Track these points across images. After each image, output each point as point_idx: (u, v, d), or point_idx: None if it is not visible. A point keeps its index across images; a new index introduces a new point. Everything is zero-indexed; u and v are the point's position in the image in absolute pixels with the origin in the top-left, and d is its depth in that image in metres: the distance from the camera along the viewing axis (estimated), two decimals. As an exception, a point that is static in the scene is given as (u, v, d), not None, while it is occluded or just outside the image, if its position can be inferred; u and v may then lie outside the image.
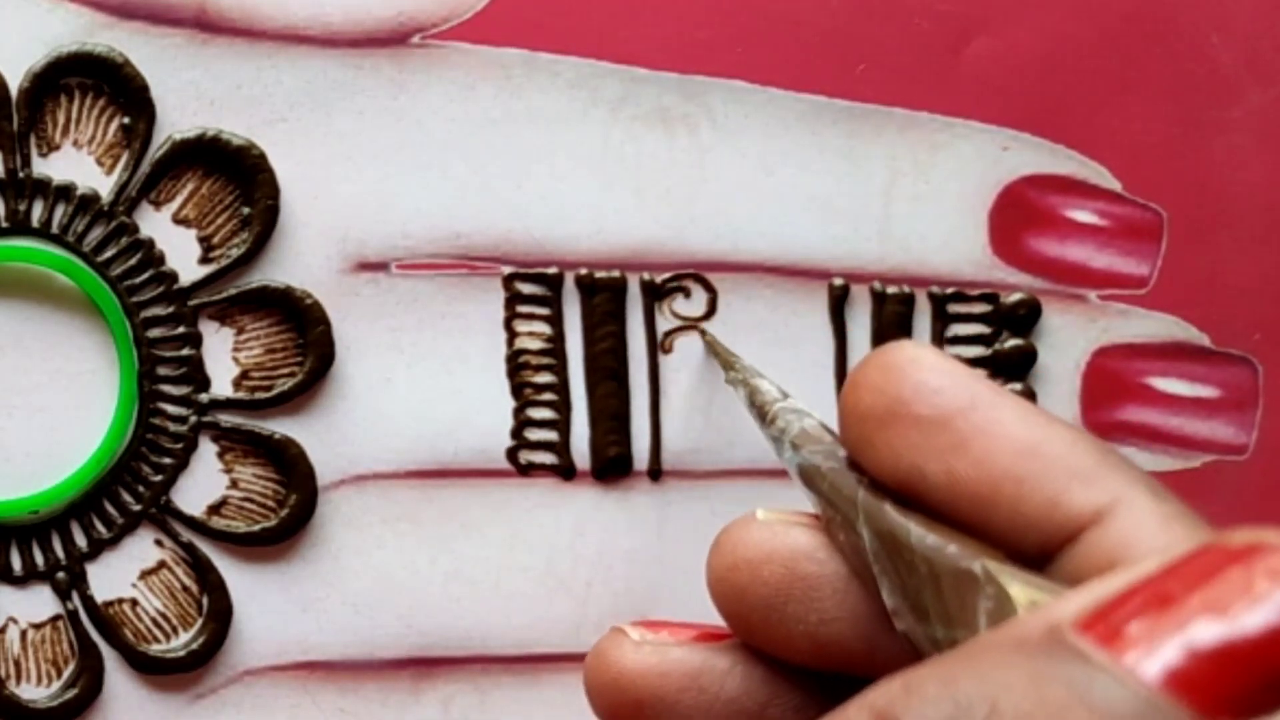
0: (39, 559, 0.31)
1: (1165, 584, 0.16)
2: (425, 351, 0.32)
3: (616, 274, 0.32)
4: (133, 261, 0.31)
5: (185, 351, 0.31)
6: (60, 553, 0.31)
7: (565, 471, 0.32)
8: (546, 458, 0.32)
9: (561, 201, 0.32)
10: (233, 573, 0.31)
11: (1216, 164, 0.34)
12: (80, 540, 0.31)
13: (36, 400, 0.31)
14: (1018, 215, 0.33)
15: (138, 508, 0.31)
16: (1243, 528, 0.17)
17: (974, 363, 0.33)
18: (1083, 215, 0.34)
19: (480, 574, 0.32)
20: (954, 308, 0.33)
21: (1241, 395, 0.34)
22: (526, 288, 0.32)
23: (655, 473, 0.33)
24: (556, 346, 0.32)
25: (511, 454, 0.32)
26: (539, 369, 0.32)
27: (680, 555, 0.32)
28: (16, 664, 0.31)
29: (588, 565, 0.32)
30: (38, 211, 0.31)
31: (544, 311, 0.32)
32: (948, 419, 0.21)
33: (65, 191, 0.31)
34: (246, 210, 0.31)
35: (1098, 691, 0.15)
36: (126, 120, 0.31)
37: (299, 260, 0.31)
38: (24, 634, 0.31)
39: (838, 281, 0.33)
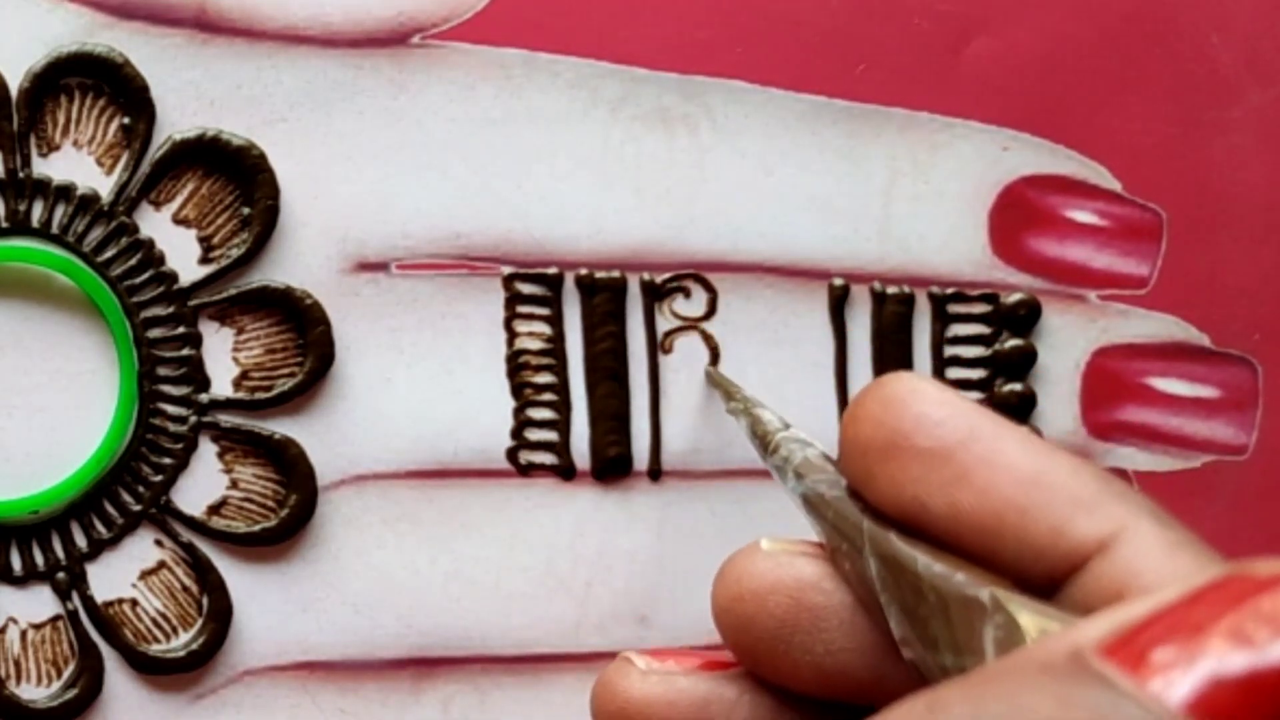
0: (39, 559, 0.31)
1: (1190, 612, 0.16)
2: (425, 351, 0.32)
3: (616, 274, 0.32)
4: (133, 261, 0.31)
5: (185, 351, 0.31)
6: (60, 553, 0.31)
7: (565, 471, 0.32)
8: (546, 458, 0.32)
9: (561, 201, 0.32)
10: (233, 573, 0.31)
11: (1216, 164, 0.34)
12: (80, 540, 0.31)
13: (36, 400, 0.31)
14: (1018, 215, 0.33)
15: (138, 508, 0.31)
16: (1267, 558, 0.17)
17: (974, 363, 0.33)
18: (1083, 215, 0.34)
19: (480, 574, 0.32)
20: (954, 308, 0.33)
21: (1241, 395, 0.34)
22: (526, 288, 0.32)
23: (655, 473, 0.33)
24: (556, 346, 0.32)
25: (511, 454, 0.32)
26: (539, 369, 0.32)
27: (680, 555, 0.32)
28: (16, 664, 0.31)
29: (588, 565, 0.32)
30: (38, 211, 0.31)
31: (544, 312, 0.32)
32: (949, 451, 0.21)
33: (65, 191, 0.31)
34: (246, 210, 0.31)
35: (1124, 717, 0.15)
36: (126, 120, 0.31)
37: (299, 260, 0.31)
38: (24, 634, 0.31)
39: (838, 281, 0.33)
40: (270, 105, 0.31)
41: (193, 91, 0.31)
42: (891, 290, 0.33)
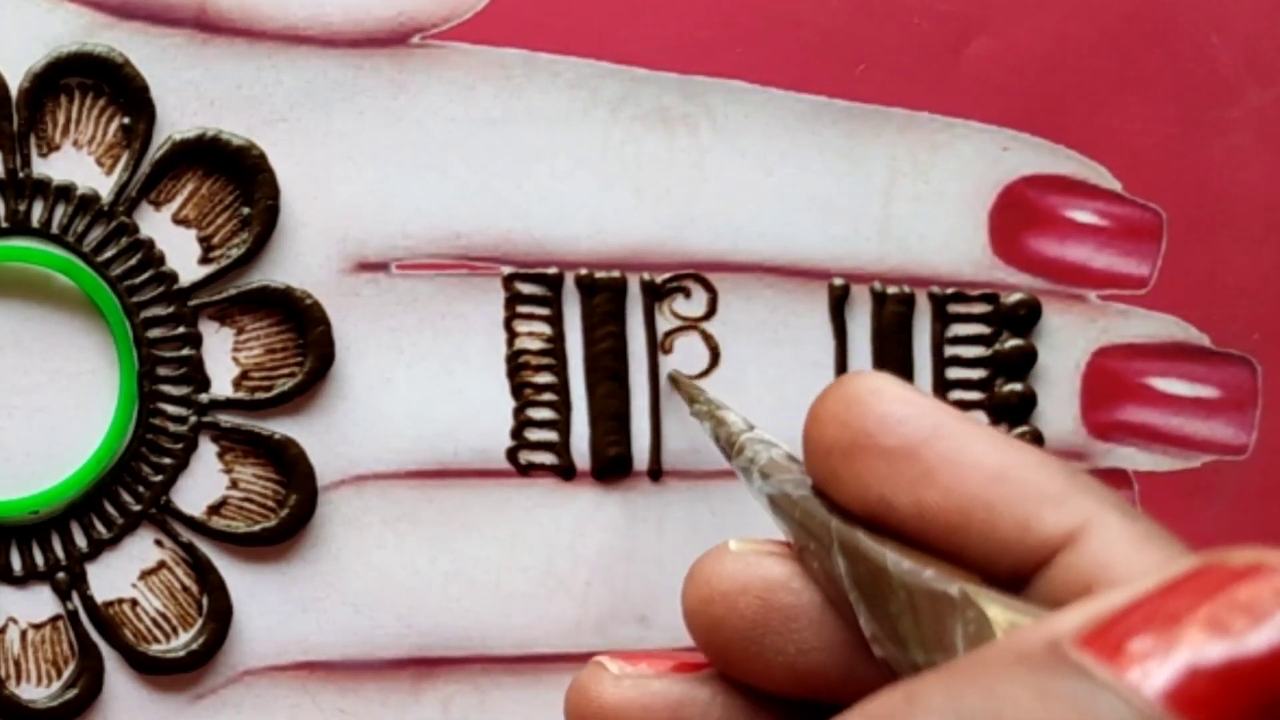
0: (39, 559, 0.31)
1: (1167, 601, 0.16)
2: (425, 351, 0.32)
3: (616, 274, 0.32)
4: (133, 261, 0.31)
5: (185, 351, 0.31)
6: (60, 553, 0.31)
7: (565, 472, 0.32)
8: (546, 458, 0.32)
9: (561, 201, 0.32)
10: (233, 573, 0.31)
11: (1216, 164, 0.34)
12: (80, 540, 0.31)
13: (36, 400, 0.31)
14: (1018, 215, 0.33)
15: (138, 508, 0.31)
16: (1242, 546, 0.17)
17: (974, 363, 0.33)
18: (1083, 215, 0.34)
19: (480, 574, 0.32)
20: (954, 308, 0.33)
21: (1241, 395, 0.34)
22: (526, 288, 0.32)
23: (655, 473, 0.33)
24: (556, 346, 0.32)
25: (511, 454, 0.32)
26: (539, 369, 0.32)
27: (680, 555, 0.32)
28: (16, 664, 0.31)
29: (587, 565, 0.32)
30: (38, 212, 0.31)
31: (544, 312, 0.32)
32: (914, 449, 0.21)
33: (65, 191, 0.31)
34: (246, 210, 0.31)
35: (1102, 708, 0.15)
36: (126, 120, 0.31)
37: (299, 260, 0.31)
38: (24, 634, 0.31)
39: (838, 281, 0.33)
40: (270, 105, 0.31)
41: (193, 91, 0.31)
42: (892, 290, 0.33)
